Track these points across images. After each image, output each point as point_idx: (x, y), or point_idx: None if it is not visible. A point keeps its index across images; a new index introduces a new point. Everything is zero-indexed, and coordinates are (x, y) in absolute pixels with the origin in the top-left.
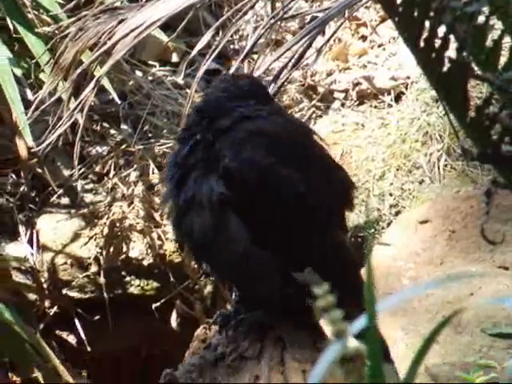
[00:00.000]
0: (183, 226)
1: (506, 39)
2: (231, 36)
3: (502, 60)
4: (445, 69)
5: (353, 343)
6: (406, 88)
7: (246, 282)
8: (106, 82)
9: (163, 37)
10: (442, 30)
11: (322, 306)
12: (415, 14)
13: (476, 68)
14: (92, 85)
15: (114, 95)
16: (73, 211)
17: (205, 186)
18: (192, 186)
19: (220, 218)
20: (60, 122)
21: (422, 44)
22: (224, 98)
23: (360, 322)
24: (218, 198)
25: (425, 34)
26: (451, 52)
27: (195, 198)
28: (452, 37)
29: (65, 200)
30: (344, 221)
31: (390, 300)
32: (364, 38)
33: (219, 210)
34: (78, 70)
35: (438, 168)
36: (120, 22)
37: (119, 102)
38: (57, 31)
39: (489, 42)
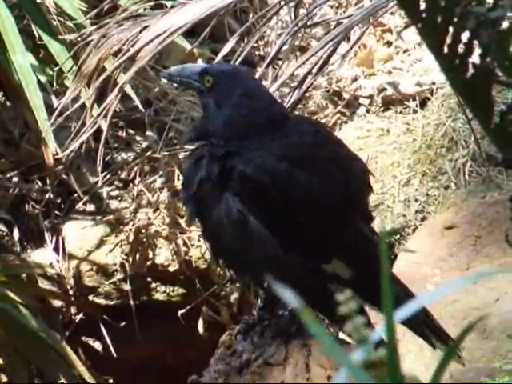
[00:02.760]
0: (211, 239)
1: None
2: (256, 42)
3: None
4: (469, 74)
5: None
6: (432, 94)
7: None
8: (129, 89)
9: (185, 44)
10: (465, 36)
11: (345, 313)
12: (439, 20)
13: (500, 74)
14: (116, 91)
15: (138, 102)
16: (98, 218)
17: (222, 205)
18: (210, 206)
19: (242, 231)
20: (83, 129)
21: (445, 50)
22: (239, 125)
23: (380, 330)
24: (237, 216)
25: (448, 40)
26: (475, 58)
27: (215, 219)
28: (476, 42)
29: (90, 207)
30: (367, 208)
31: (412, 305)
32: (389, 43)
33: (239, 225)
34: (102, 77)
35: (464, 174)
36: (143, 29)
37: (142, 110)
38: (80, 38)
39: None
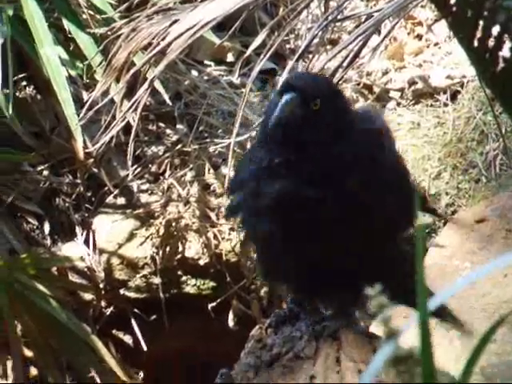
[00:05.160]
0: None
1: None
2: (287, 35)
3: None
4: (498, 68)
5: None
6: (462, 87)
7: None
8: (158, 84)
9: (214, 38)
10: (495, 30)
11: (375, 306)
12: (469, 14)
13: None
14: (146, 86)
15: (166, 97)
16: (129, 211)
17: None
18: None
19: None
20: (113, 123)
21: (475, 44)
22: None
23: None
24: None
25: (478, 34)
26: (505, 51)
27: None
28: (506, 36)
29: (121, 200)
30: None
31: (442, 295)
32: (420, 36)
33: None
34: (132, 71)
35: (494, 167)
36: (173, 23)
37: (170, 104)
38: (109, 32)
39: None
